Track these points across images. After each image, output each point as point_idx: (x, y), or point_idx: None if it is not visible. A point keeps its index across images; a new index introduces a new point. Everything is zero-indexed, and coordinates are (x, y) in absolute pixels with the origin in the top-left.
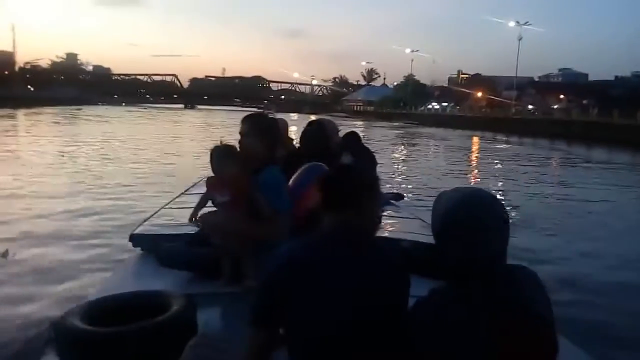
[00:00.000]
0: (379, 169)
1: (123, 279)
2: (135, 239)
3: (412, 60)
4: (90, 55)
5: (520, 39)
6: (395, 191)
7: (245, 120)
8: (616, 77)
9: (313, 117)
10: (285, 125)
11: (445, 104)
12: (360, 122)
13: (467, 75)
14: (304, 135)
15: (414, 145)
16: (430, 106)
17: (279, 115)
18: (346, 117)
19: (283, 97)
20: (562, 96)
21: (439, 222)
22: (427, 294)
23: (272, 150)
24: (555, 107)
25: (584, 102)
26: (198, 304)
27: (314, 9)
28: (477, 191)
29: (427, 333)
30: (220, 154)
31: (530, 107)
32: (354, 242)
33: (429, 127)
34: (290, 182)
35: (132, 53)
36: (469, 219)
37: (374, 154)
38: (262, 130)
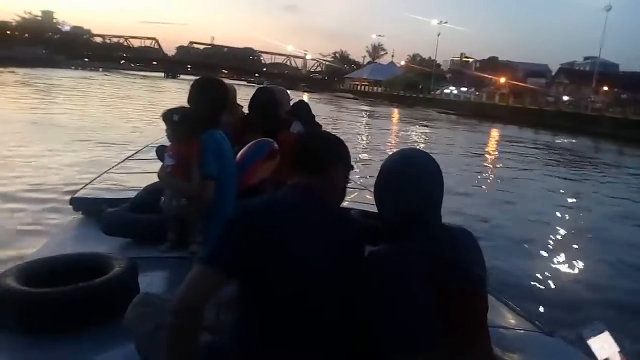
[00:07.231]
0: None
1: (62, 242)
2: (76, 203)
3: (439, 35)
4: (72, 17)
5: (609, 10)
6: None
7: (192, 85)
8: None
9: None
10: (234, 92)
11: (465, 89)
12: (370, 108)
13: (470, 59)
14: (253, 102)
15: None
16: (447, 91)
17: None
18: (354, 99)
19: (276, 71)
20: (606, 88)
21: (377, 179)
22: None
23: (215, 114)
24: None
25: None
26: (141, 268)
27: None
28: (409, 149)
29: (372, 288)
30: (165, 120)
31: (565, 98)
32: (316, 207)
33: (470, 118)
34: (239, 155)
35: (120, 19)
36: (401, 168)
37: None
38: (204, 94)
